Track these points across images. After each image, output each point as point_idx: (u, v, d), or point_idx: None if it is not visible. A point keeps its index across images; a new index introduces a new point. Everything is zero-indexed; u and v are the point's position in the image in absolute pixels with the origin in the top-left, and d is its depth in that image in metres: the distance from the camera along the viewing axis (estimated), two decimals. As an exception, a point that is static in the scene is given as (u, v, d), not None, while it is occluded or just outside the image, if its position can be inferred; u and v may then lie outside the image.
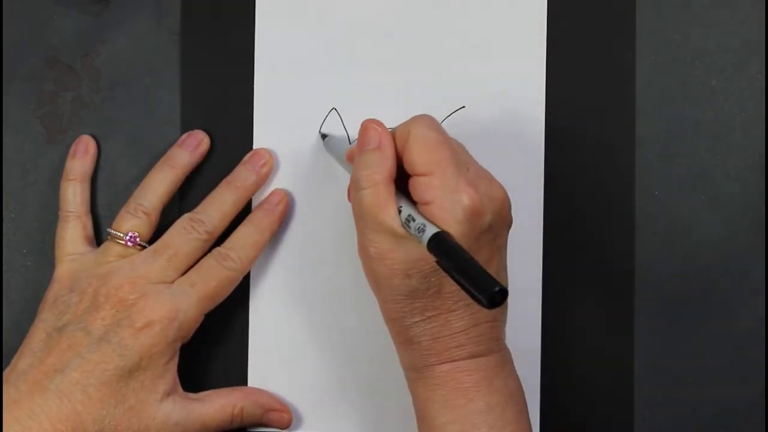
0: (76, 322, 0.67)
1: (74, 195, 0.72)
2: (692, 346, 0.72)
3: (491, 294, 0.56)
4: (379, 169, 0.63)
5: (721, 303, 0.72)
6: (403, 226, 0.62)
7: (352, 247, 0.72)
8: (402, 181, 0.64)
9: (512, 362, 0.67)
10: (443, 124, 0.72)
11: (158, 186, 0.71)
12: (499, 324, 0.66)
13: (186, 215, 0.70)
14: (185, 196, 0.73)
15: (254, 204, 0.72)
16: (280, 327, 0.73)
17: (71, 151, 0.73)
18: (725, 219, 0.72)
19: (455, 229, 0.61)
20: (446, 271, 0.59)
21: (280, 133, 0.73)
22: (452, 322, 0.64)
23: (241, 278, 0.70)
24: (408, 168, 0.63)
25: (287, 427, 0.72)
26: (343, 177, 0.73)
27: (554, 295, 0.72)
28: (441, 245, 0.60)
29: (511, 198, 0.71)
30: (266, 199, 0.72)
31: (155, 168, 0.71)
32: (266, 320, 0.73)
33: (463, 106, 0.73)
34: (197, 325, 0.68)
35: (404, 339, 0.65)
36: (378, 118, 0.72)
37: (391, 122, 0.73)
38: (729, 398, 0.72)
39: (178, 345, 0.68)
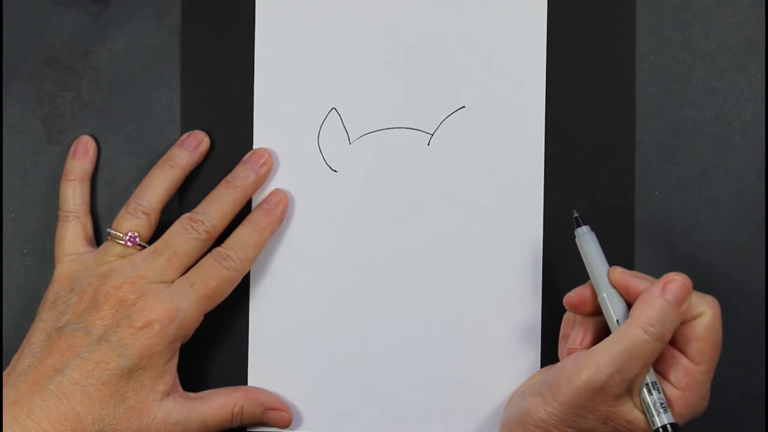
0: (75, 322, 0.67)
1: (74, 195, 0.72)
2: (692, 346, 0.72)
3: None
4: (671, 330, 0.64)
5: (721, 303, 0.72)
6: (643, 386, 0.63)
7: (352, 247, 0.72)
8: None
9: None
10: (443, 124, 0.73)
11: (158, 186, 0.71)
12: None
13: (185, 215, 0.70)
14: (185, 196, 0.73)
15: (254, 204, 0.72)
16: (280, 327, 0.73)
17: (71, 151, 0.73)
18: (725, 219, 0.72)
19: (679, 422, 0.63)
20: None
21: (280, 133, 0.73)
22: None
23: (240, 278, 0.70)
24: (681, 338, 0.64)
25: (287, 426, 0.72)
26: (343, 176, 0.73)
27: (555, 295, 0.72)
28: None
29: (511, 198, 0.71)
30: (266, 199, 0.72)
31: (155, 168, 0.71)
32: (266, 320, 0.73)
33: (463, 106, 0.73)
34: (197, 324, 0.68)
35: None
36: (378, 118, 0.73)
37: (390, 121, 0.73)
38: (729, 398, 0.72)
39: (178, 345, 0.68)
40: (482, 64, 0.73)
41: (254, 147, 0.73)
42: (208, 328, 0.70)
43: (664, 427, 0.62)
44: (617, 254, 0.72)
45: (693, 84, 0.73)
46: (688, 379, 0.64)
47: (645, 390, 0.63)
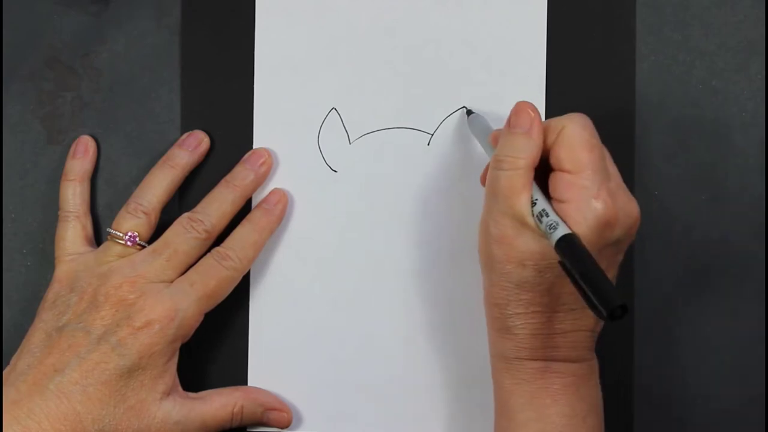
0: (75, 321, 0.67)
1: (74, 195, 0.72)
2: (692, 346, 0.72)
3: (613, 308, 0.56)
4: (524, 155, 0.63)
5: (721, 303, 0.72)
6: (534, 217, 0.62)
7: (352, 247, 0.73)
8: (540, 173, 0.64)
9: (598, 374, 0.67)
10: (443, 124, 0.73)
11: (158, 186, 0.71)
12: (595, 334, 0.66)
13: (185, 214, 0.70)
14: (185, 196, 0.73)
15: (254, 204, 0.72)
16: (280, 327, 0.73)
17: (71, 151, 0.73)
18: (725, 219, 0.72)
19: (584, 234, 0.61)
20: (569, 275, 0.59)
21: (280, 133, 0.73)
22: (553, 323, 0.64)
23: (240, 278, 0.70)
24: (554, 162, 0.63)
25: (287, 426, 0.72)
26: (343, 176, 0.73)
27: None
28: (571, 248, 0.60)
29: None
30: (265, 198, 0.72)
31: (155, 168, 0.71)
32: (266, 320, 0.73)
33: (464, 106, 0.73)
34: (197, 324, 0.68)
35: (501, 326, 0.65)
36: (378, 118, 0.73)
37: (390, 121, 0.73)
38: (729, 398, 0.72)
39: (178, 344, 0.68)
40: (482, 64, 0.73)
41: (254, 147, 0.73)
42: (208, 328, 0.70)
43: (557, 242, 0.60)
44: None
45: (693, 84, 0.73)
46: (571, 190, 0.62)
47: (537, 221, 0.62)
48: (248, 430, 0.72)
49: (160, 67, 0.73)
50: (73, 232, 0.71)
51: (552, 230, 0.61)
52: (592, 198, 0.61)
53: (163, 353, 0.67)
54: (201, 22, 0.73)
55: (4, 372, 0.67)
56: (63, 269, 0.70)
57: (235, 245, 0.70)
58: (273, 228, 0.72)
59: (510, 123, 0.65)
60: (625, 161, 0.72)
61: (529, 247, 0.62)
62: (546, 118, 0.72)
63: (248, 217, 0.71)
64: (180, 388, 0.69)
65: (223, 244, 0.70)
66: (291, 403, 0.72)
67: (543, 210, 0.62)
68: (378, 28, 0.73)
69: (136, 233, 0.69)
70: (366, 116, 0.73)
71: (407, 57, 0.73)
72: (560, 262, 0.60)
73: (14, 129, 0.73)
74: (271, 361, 0.73)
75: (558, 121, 0.64)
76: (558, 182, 0.63)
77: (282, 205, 0.72)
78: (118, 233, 0.69)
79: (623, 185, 0.64)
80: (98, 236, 0.73)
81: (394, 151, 0.73)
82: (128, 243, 0.69)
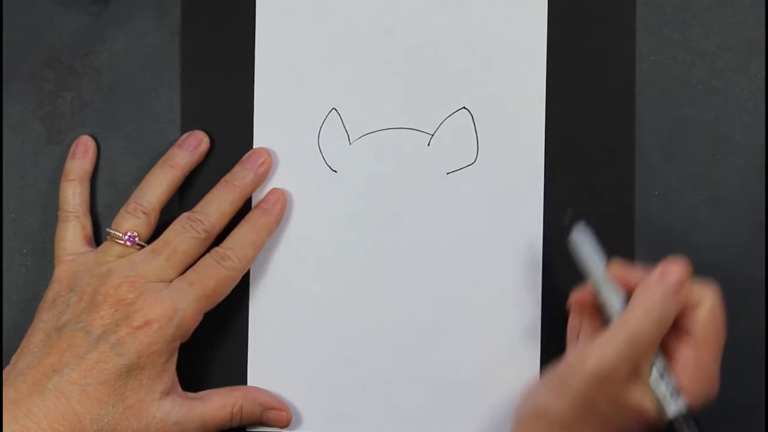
0: (75, 321, 0.67)
1: (73, 195, 0.72)
2: (692, 346, 0.72)
3: None
4: (669, 316, 0.64)
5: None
6: (654, 371, 0.63)
7: (352, 247, 0.73)
8: None
9: None
10: (443, 125, 0.73)
11: (157, 186, 0.71)
12: None
13: (184, 214, 0.70)
14: (184, 196, 0.73)
15: (254, 204, 0.72)
16: (280, 327, 0.73)
17: (71, 151, 0.73)
18: (725, 219, 0.72)
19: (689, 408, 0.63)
20: None
21: (280, 133, 0.73)
22: None
23: (239, 278, 0.70)
24: (685, 326, 0.64)
25: (286, 426, 0.72)
26: (343, 176, 0.73)
27: (554, 295, 0.72)
28: (693, 425, 0.62)
29: (511, 198, 0.71)
30: (263, 198, 0.72)
31: (155, 168, 0.71)
32: (266, 320, 0.73)
33: (464, 107, 0.73)
34: (196, 324, 0.68)
35: None
36: (378, 118, 0.73)
37: (390, 121, 0.73)
38: (729, 398, 0.72)
39: (177, 344, 0.68)
40: (482, 64, 0.73)
41: (254, 147, 0.73)
42: (208, 328, 0.70)
43: (677, 415, 0.62)
44: (617, 254, 0.72)
45: (693, 84, 0.73)
46: (695, 368, 0.63)
47: (655, 379, 0.63)
48: (248, 429, 0.72)
49: (160, 67, 0.73)
50: (72, 232, 0.71)
51: (673, 397, 0.62)
52: (711, 381, 0.64)
53: (162, 353, 0.67)
54: (201, 22, 0.73)
55: (4, 372, 0.67)
56: (63, 269, 0.70)
57: (234, 245, 0.70)
58: (272, 228, 0.72)
59: (665, 278, 0.64)
60: (625, 161, 0.72)
61: (629, 399, 0.63)
62: (546, 119, 0.72)
63: (247, 217, 0.71)
64: (179, 388, 0.69)
65: (222, 244, 0.70)
66: (291, 402, 0.72)
67: (664, 372, 0.63)
68: (378, 28, 0.73)
69: (136, 233, 0.69)
70: (366, 116, 0.73)
71: (407, 57, 0.73)
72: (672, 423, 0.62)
73: (14, 129, 0.73)
74: (271, 361, 0.73)
75: (698, 289, 0.65)
76: (681, 354, 0.64)
77: (280, 204, 0.72)
78: (118, 233, 0.69)
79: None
80: (98, 236, 0.73)
81: (394, 151, 0.73)
82: (128, 243, 0.69)
